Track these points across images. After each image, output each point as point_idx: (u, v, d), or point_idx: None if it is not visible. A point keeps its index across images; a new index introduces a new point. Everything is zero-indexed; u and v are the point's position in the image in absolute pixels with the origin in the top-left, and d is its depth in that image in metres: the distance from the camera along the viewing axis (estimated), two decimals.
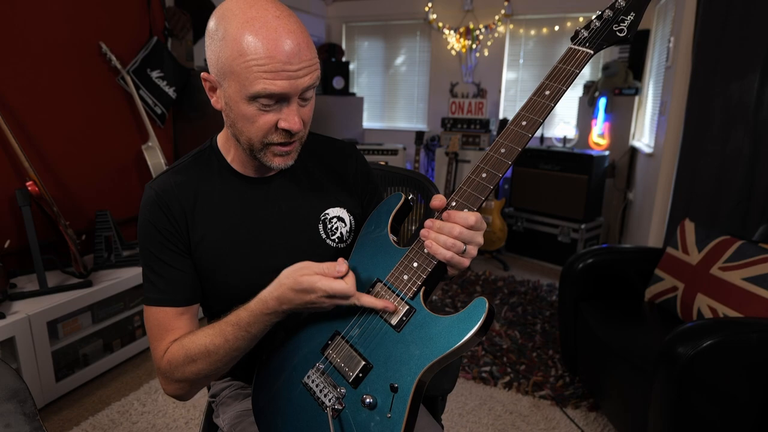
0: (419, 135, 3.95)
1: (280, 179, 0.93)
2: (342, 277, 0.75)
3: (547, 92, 0.76)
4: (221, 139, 0.93)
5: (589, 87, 3.91)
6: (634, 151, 3.66)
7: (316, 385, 0.79)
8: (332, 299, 0.75)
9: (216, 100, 0.82)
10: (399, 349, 0.75)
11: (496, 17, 4.23)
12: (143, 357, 2.36)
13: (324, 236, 0.93)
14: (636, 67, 3.66)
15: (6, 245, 2.13)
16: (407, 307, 0.76)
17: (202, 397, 2.04)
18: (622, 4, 0.76)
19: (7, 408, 0.80)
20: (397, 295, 0.78)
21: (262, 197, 0.91)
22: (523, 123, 0.76)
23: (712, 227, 1.98)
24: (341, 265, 0.75)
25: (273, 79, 0.73)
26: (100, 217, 2.31)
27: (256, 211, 0.91)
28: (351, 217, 0.97)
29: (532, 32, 4.21)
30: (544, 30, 4.14)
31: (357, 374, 0.76)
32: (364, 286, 0.82)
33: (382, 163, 2.42)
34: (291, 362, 0.84)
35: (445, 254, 0.73)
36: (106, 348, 2.22)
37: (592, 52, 0.77)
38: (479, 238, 0.75)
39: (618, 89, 3.66)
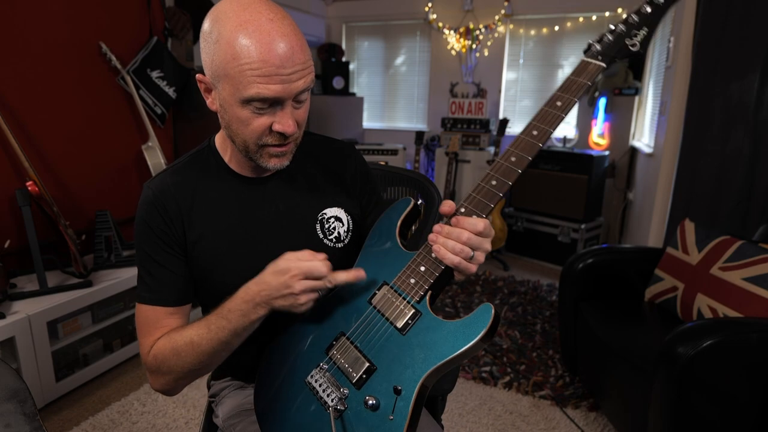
0: (419, 135, 3.95)
1: (277, 179, 0.93)
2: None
3: (559, 103, 0.78)
4: (219, 139, 0.93)
5: (589, 87, 3.90)
6: (634, 151, 3.66)
7: (320, 385, 0.79)
8: (305, 281, 0.75)
9: (211, 102, 0.83)
10: (403, 351, 0.75)
11: (496, 17, 4.23)
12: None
13: (321, 236, 0.93)
14: (636, 67, 3.66)
15: (6, 245, 2.13)
16: (413, 310, 0.76)
17: (202, 398, 2.04)
18: (635, 19, 0.78)
19: (7, 408, 0.80)
20: (404, 299, 0.78)
21: (260, 197, 0.91)
22: (534, 132, 0.78)
23: (712, 227, 1.98)
24: (320, 254, 0.78)
25: (266, 83, 0.73)
26: (100, 217, 2.31)
27: (253, 211, 0.91)
28: (349, 217, 0.97)
29: (532, 32, 4.21)
30: (544, 30, 4.14)
31: (361, 375, 0.76)
32: (371, 288, 0.82)
33: (382, 163, 2.42)
34: (295, 361, 0.84)
35: (453, 259, 0.73)
36: (106, 348, 2.22)
37: (604, 65, 0.78)
38: (487, 245, 0.75)
39: (618, 89, 3.66)
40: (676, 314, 1.87)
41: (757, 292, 1.58)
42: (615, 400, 1.81)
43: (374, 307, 0.80)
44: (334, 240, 0.94)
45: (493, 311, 0.71)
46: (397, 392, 0.72)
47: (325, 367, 0.80)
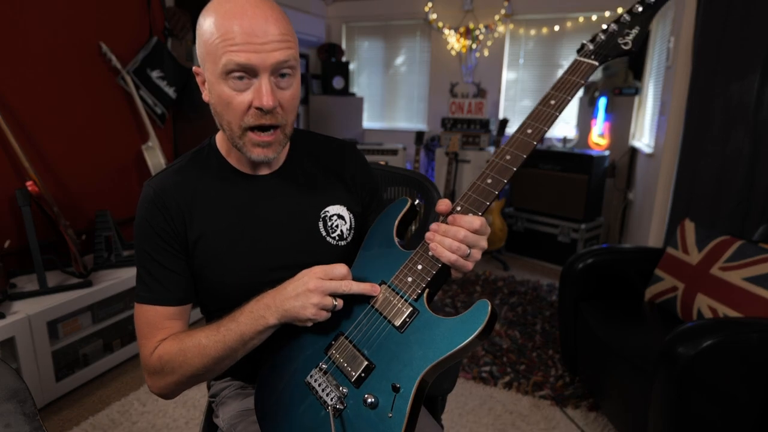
0: (419, 135, 3.94)
1: (278, 177, 0.93)
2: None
3: (553, 102, 0.79)
4: (220, 137, 0.93)
5: (589, 87, 3.91)
6: (634, 151, 3.66)
7: (319, 385, 0.79)
8: (320, 281, 0.76)
9: (205, 93, 0.84)
10: (402, 349, 0.75)
11: (496, 17, 4.23)
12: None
13: (324, 234, 0.93)
14: (636, 67, 3.66)
15: (6, 245, 2.13)
16: (411, 308, 0.77)
17: (202, 398, 2.04)
18: (627, 18, 0.79)
19: (7, 408, 0.80)
20: (401, 297, 0.78)
21: (260, 195, 0.91)
22: (529, 131, 0.78)
23: (712, 227, 1.98)
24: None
25: (238, 51, 0.75)
26: (100, 217, 2.31)
27: (254, 209, 0.90)
28: (351, 215, 0.97)
29: (532, 32, 4.20)
30: (544, 30, 4.14)
31: (359, 374, 0.76)
32: None
33: (382, 163, 2.42)
34: (295, 362, 0.84)
35: (450, 257, 0.74)
36: (106, 348, 2.22)
37: (597, 63, 0.79)
38: (483, 243, 0.76)
39: (618, 89, 3.66)
40: (676, 314, 1.87)
41: (757, 292, 1.58)
42: (615, 400, 1.81)
43: (372, 306, 0.80)
44: (336, 238, 0.94)
45: (489, 307, 0.71)
46: (396, 390, 0.73)
47: (324, 367, 0.80)
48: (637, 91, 3.61)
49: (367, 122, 4.99)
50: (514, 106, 4.40)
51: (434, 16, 4.46)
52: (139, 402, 2.02)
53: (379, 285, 0.81)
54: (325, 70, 4.61)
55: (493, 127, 4.27)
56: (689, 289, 1.81)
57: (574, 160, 3.57)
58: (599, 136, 3.83)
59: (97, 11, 2.47)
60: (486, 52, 4.35)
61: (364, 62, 4.96)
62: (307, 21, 4.52)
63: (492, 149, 3.70)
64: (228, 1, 0.76)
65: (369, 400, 0.74)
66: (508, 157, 0.78)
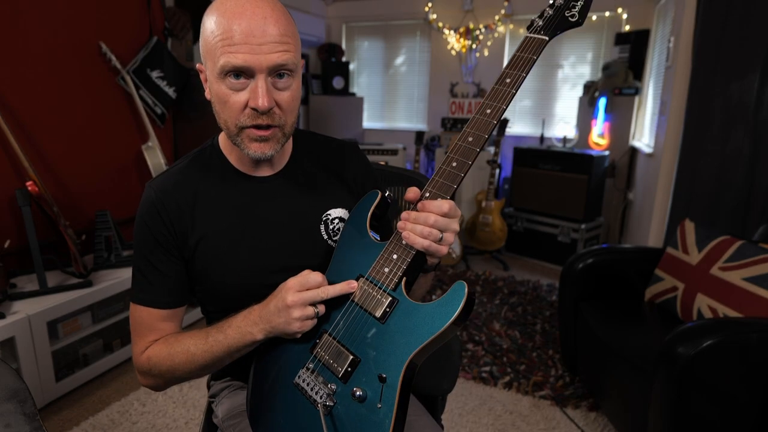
0: (419, 135, 3.95)
1: (280, 178, 0.93)
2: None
3: (508, 80, 0.80)
4: (222, 138, 0.93)
5: (589, 87, 3.91)
6: (634, 151, 3.66)
7: (307, 384, 0.79)
8: (298, 294, 0.76)
9: (207, 91, 0.84)
10: (385, 340, 0.76)
11: (496, 17, 4.23)
12: None
13: (326, 237, 0.93)
14: (636, 67, 3.66)
15: (6, 245, 2.13)
16: (390, 298, 0.78)
17: (202, 398, 2.04)
18: None
19: (7, 408, 0.80)
20: (380, 288, 0.79)
21: (262, 196, 0.91)
22: (488, 111, 0.80)
23: (712, 227, 1.98)
24: (316, 273, 0.80)
25: (235, 52, 0.75)
26: (100, 217, 2.31)
27: (255, 210, 0.90)
28: None
29: None
30: None
31: (346, 369, 0.77)
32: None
33: (382, 163, 2.42)
34: (282, 365, 0.85)
35: (422, 243, 0.75)
36: (106, 348, 2.22)
37: (547, 38, 0.81)
38: (455, 225, 0.77)
39: (618, 89, 3.66)
40: (676, 314, 1.87)
41: (757, 292, 1.58)
42: (615, 400, 1.81)
43: (353, 301, 0.81)
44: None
45: (466, 288, 0.73)
46: (383, 380, 0.73)
47: (311, 366, 0.81)
48: (637, 91, 3.61)
49: (367, 122, 4.99)
50: (514, 106, 4.40)
51: (434, 16, 4.46)
52: (139, 402, 2.02)
53: (357, 279, 0.82)
54: (325, 70, 4.61)
55: None
56: (689, 289, 1.81)
57: (574, 160, 3.57)
58: (599, 136, 3.83)
59: (97, 11, 2.47)
60: (486, 52, 4.35)
61: (364, 62, 4.96)
62: (307, 21, 4.52)
63: (492, 149, 3.70)
64: (230, 0, 0.76)
65: (357, 393, 0.74)
66: (470, 139, 0.79)
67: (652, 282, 2.00)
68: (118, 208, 2.59)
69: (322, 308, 0.78)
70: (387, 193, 0.90)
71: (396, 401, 0.72)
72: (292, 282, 0.77)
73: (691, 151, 2.41)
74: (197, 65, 0.85)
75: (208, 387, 1.10)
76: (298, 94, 0.84)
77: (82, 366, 2.09)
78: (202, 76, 0.85)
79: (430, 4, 4.44)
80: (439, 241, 0.76)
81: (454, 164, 0.79)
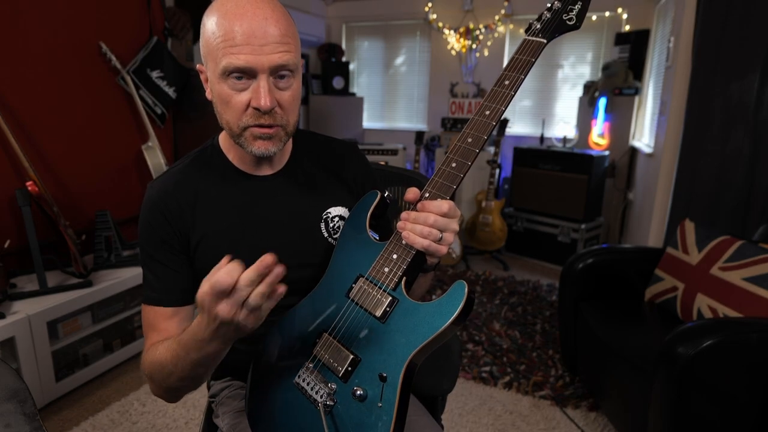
0: (419, 135, 3.95)
1: (281, 177, 0.93)
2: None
3: (507, 82, 0.82)
4: (223, 137, 0.94)
5: (589, 87, 3.91)
6: (634, 151, 3.66)
7: (307, 384, 0.79)
8: (221, 305, 0.62)
9: (208, 91, 0.84)
10: (385, 339, 0.76)
11: (496, 17, 4.23)
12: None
13: (326, 235, 0.94)
14: (636, 67, 3.66)
15: (6, 245, 2.13)
16: (390, 297, 0.78)
17: (202, 398, 2.04)
18: None
19: (7, 408, 0.80)
20: (380, 288, 0.79)
21: (262, 195, 0.92)
22: (487, 112, 0.81)
23: (712, 227, 1.98)
24: (222, 263, 0.63)
25: (237, 53, 0.75)
26: (100, 217, 2.31)
27: (255, 209, 0.91)
28: None
29: None
30: None
31: (346, 368, 0.77)
32: (347, 282, 0.84)
33: (382, 163, 2.42)
34: (282, 364, 0.85)
35: (422, 243, 0.76)
36: (106, 348, 2.22)
37: (545, 41, 0.82)
38: (454, 225, 0.78)
39: (618, 89, 3.66)
40: (676, 314, 1.87)
41: (757, 292, 1.58)
42: (615, 400, 1.81)
43: (353, 301, 0.81)
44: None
45: (466, 288, 0.73)
46: (383, 379, 0.74)
47: (311, 366, 0.81)
48: (637, 91, 3.61)
49: (367, 122, 4.99)
50: (514, 106, 4.40)
51: (434, 16, 4.46)
52: (139, 402, 2.02)
53: (357, 279, 0.82)
54: (325, 70, 4.61)
55: None
56: (689, 289, 1.81)
57: (574, 160, 3.57)
58: (599, 136, 3.83)
59: (97, 11, 2.47)
60: (486, 52, 4.35)
61: (364, 62, 4.96)
62: (307, 21, 4.52)
63: (492, 149, 3.70)
64: (230, 0, 0.77)
65: (358, 392, 0.74)
66: (469, 140, 0.80)
67: (652, 282, 2.00)
68: (118, 208, 2.59)
69: (282, 289, 0.64)
70: (386, 193, 0.90)
71: (396, 400, 0.72)
72: (202, 290, 0.63)
73: (691, 151, 2.41)
74: (197, 66, 0.85)
75: (208, 387, 1.10)
76: (298, 94, 0.84)
77: (82, 366, 2.09)
78: (202, 77, 0.85)
79: (430, 4, 4.44)
80: (439, 240, 0.76)
81: (454, 165, 0.80)
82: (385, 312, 0.77)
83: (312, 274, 0.90)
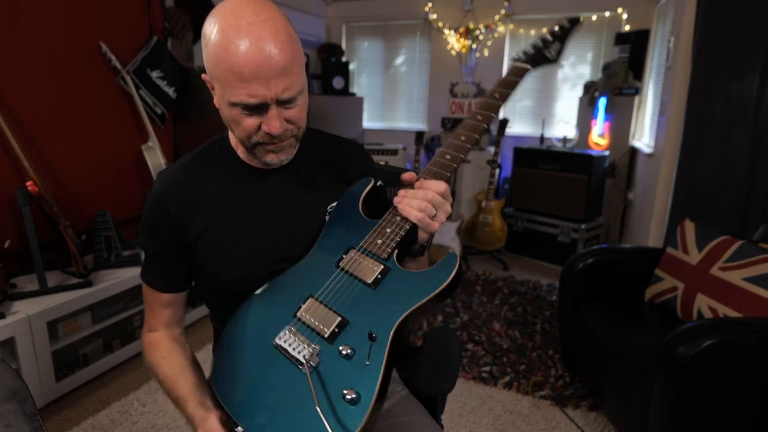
0: (419, 135, 3.94)
1: (285, 172, 0.95)
2: None
3: (497, 95, 0.97)
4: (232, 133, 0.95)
5: (589, 87, 3.90)
6: (634, 151, 3.66)
7: (289, 345, 0.78)
8: None
9: (216, 99, 0.85)
10: (375, 303, 0.78)
11: (496, 17, 4.23)
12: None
13: None
14: (636, 67, 3.66)
15: (6, 245, 2.13)
16: (382, 266, 0.81)
17: None
18: (549, 37, 1.04)
19: (7, 408, 0.80)
20: (372, 257, 0.82)
21: (266, 190, 0.93)
22: (479, 117, 0.94)
23: (712, 227, 1.98)
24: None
25: (246, 89, 0.75)
26: (100, 217, 2.31)
27: (257, 203, 0.92)
28: None
29: (532, 32, 4.20)
30: (544, 30, 4.12)
31: (333, 330, 0.77)
32: (338, 253, 0.86)
33: (382, 163, 2.42)
34: (260, 327, 0.83)
35: (417, 215, 0.80)
36: (106, 348, 2.22)
37: (529, 67, 1.01)
38: (448, 207, 0.83)
39: (618, 89, 3.66)
40: (676, 314, 1.87)
41: (757, 292, 1.58)
42: (615, 400, 1.81)
43: (342, 269, 0.83)
44: None
45: (458, 259, 0.79)
46: (372, 339, 0.74)
47: (294, 328, 0.80)
48: (637, 91, 3.61)
49: (367, 122, 4.99)
50: (514, 106, 4.40)
51: (434, 16, 4.46)
52: (139, 402, 2.02)
53: (347, 251, 0.85)
54: (325, 70, 4.60)
55: (493, 127, 4.26)
56: (689, 289, 1.81)
57: (574, 160, 3.57)
58: (599, 136, 3.83)
59: (97, 11, 2.47)
60: (486, 52, 4.35)
61: (364, 62, 4.96)
62: (307, 21, 4.52)
63: (492, 149, 3.69)
64: (232, 27, 0.74)
65: (345, 351, 0.75)
66: (462, 138, 0.92)
67: (652, 282, 2.00)
68: (118, 208, 2.59)
69: None
70: (379, 183, 0.95)
71: (384, 360, 0.72)
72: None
73: (691, 151, 2.41)
74: (202, 75, 0.85)
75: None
76: (305, 104, 0.86)
77: (82, 366, 2.09)
78: (208, 85, 0.85)
79: (430, 4, 4.44)
80: (433, 217, 0.80)
81: (448, 157, 0.89)
82: (376, 279, 0.80)
83: None
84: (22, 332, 1.81)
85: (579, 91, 4.05)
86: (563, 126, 4.09)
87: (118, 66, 2.52)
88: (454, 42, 4.42)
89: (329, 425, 0.67)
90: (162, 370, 0.90)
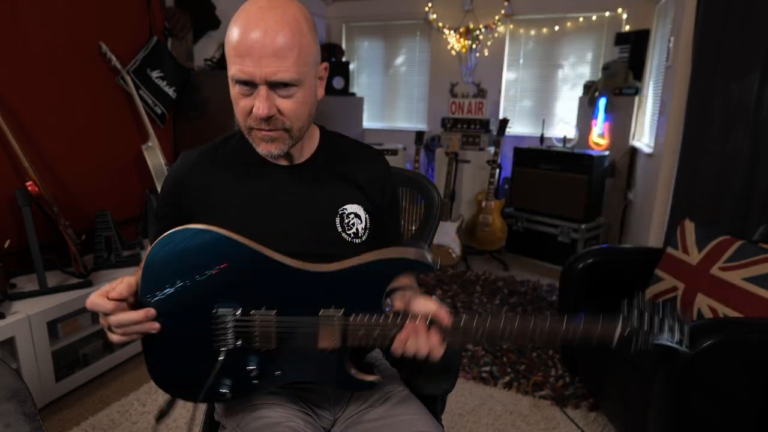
0: (419, 135, 3.94)
1: (300, 169, 0.96)
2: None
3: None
4: None
5: (589, 87, 3.90)
6: (634, 151, 3.66)
7: (225, 323, 0.85)
8: (103, 320, 0.88)
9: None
10: (310, 359, 0.88)
11: (496, 17, 4.23)
12: (143, 357, 2.35)
13: (340, 230, 0.96)
14: (636, 67, 3.66)
15: (6, 245, 2.13)
16: (338, 351, 0.86)
17: None
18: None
19: (7, 408, 0.80)
20: (341, 332, 0.84)
21: (279, 185, 0.95)
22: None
23: (712, 227, 1.98)
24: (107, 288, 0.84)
25: (240, 64, 0.80)
26: (100, 217, 2.31)
27: (272, 197, 0.94)
28: (367, 215, 0.99)
29: (532, 32, 4.20)
30: (544, 30, 4.14)
31: (263, 353, 0.86)
32: (333, 303, 0.85)
33: None
34: (219, 283, 0.84)
35: (400, 353, 0.83)
36: (106, 348, 2.22)
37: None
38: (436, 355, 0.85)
39: (618, 89, 3.66)
40: None
41: (757, 292, 1.58)
42: (615, 400, 1.81)
43: (318, 317, 0.84)
44: (352, 235, 0.96)
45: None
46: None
47: (239, 322, 0.84)
48: (637, 91, 3.61)
49: (367, 122, 4.99)
50: (514, 106, 4.40)
51: (434, 16, 4.46)
52: (139, 402, 2.02)
53: (343, 312, 0.85)
54: None
55: (493, 127, 4.26)
56: (689, 289, 1.81)
57: (574, 160, 3.57)
58: (599, 136, 3.83)
59: (97, 11, 2.47)
60: (486, 52, 4.35)
61: (364, 62, 4.96)
62: None
63: (492, 149, 3.70)
64: (245, 9, 0.81)
65: (251, 367, 0.87)
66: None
67: (652, 282, 2.00)
68: (118, 208, 2.59)
69: (153, 325, 0.88)
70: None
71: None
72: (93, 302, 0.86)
73: (691, 151, 2.41)
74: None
75: None
76: (303, 101, 0.86)
77: (82, 366, 2.09)
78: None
79: (430, 4, 4.44)
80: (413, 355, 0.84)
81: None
82: (322, 350, 0.84)
83: None
84: (22, 332, 1.81)
85: (579, 91, 4.05)
86: (563, 126, 4.09)
87: (118, 66, 2.52)
88: (454, 42, 4.42)
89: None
90: None
